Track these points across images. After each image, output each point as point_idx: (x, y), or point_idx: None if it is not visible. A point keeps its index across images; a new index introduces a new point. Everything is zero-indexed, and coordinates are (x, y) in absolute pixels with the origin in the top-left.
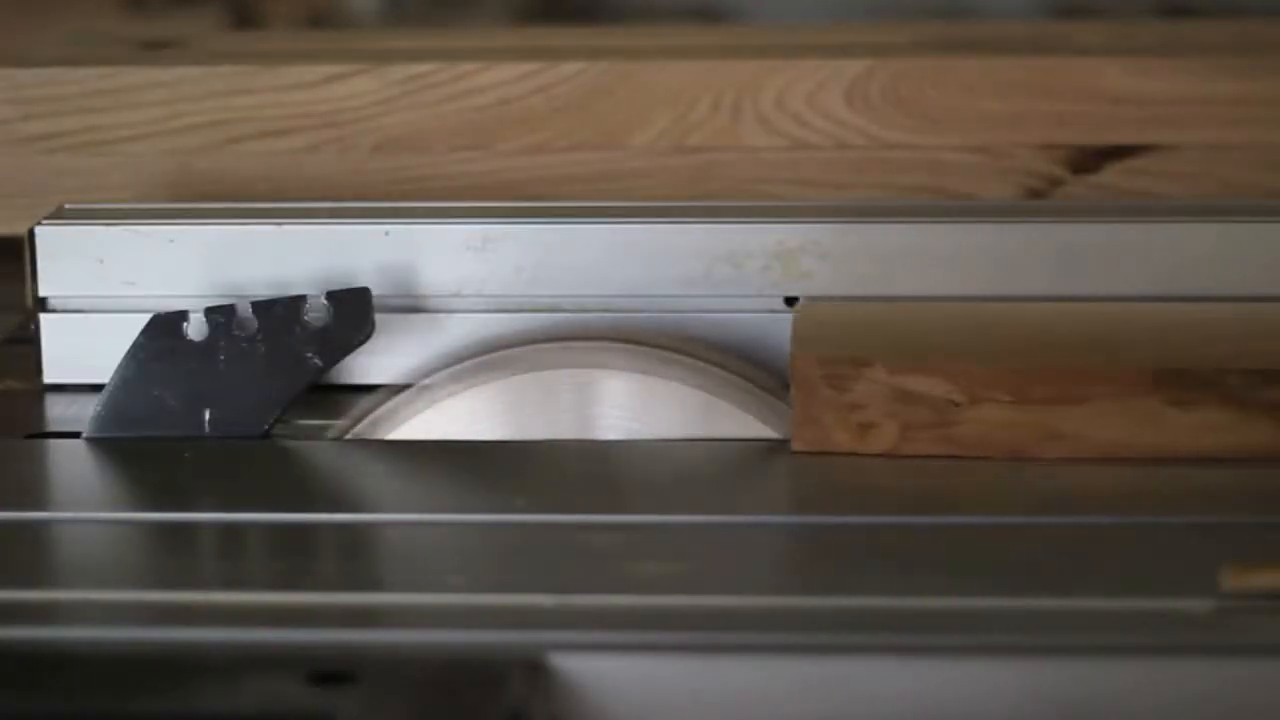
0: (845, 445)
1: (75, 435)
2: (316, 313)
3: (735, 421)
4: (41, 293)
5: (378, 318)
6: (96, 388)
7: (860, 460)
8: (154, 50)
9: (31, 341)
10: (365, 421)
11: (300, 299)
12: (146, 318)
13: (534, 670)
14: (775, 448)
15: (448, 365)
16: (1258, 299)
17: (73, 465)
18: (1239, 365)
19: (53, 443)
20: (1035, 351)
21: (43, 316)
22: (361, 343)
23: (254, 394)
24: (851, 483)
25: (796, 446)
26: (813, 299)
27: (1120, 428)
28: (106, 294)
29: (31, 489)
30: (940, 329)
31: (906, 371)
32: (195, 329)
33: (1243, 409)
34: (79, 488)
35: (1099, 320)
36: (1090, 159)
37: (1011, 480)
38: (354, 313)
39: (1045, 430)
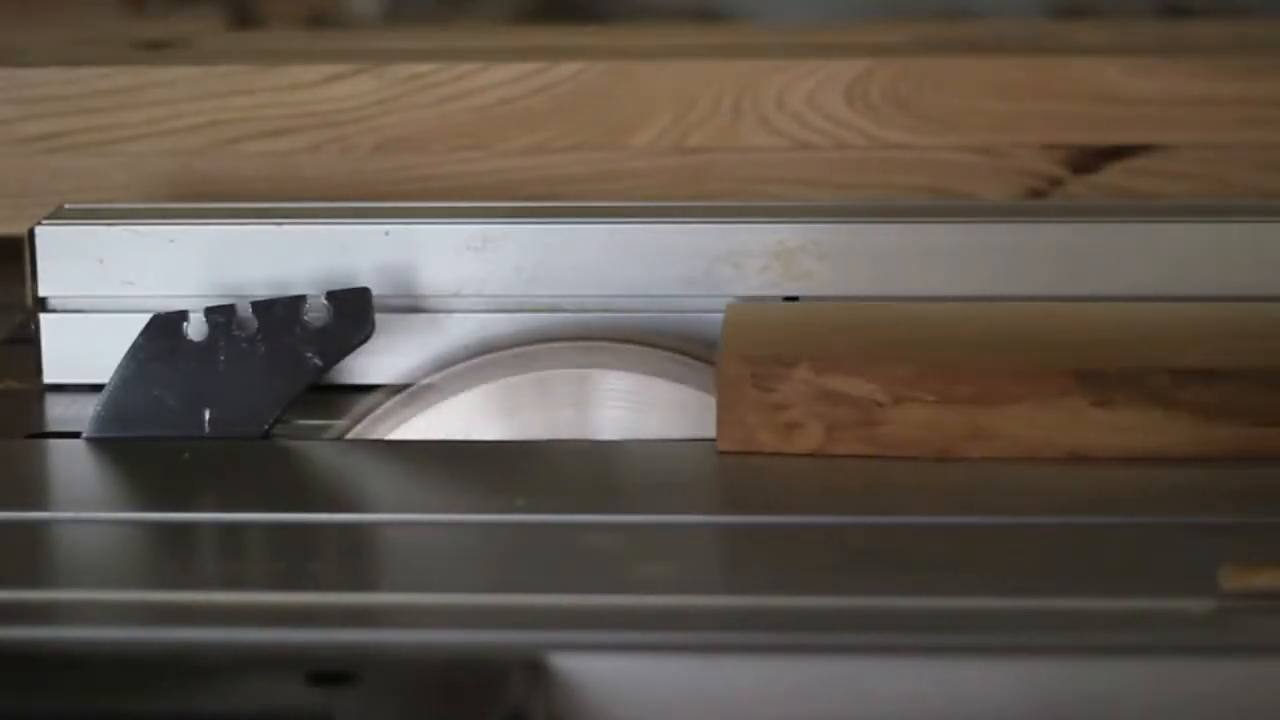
0: (770, 445)
1: (75, 435)
2: (316, 313)
3: None
4: (41, 293)
5: (378, 318)
6: (96, 388)
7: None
8: (154, 50)
9: (31, 341)
10: (365, 421)
11: (300, 299)
12: (146, 318)
13: (534, 670)
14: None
15: (447, 365)
16: (1258, 299)
17: (73, 465)
18: (1162, 365)
19: (53, 443)
20: (961, 351)
21: (43, 316)
22: (361, 343)
23: (254, 394)
24: (864, 484)
25: (722, 447)
26: (811, 299)
27: (1044, 427)
28: (106, 294)
29: (31, 489)
30: (868, 329)
31: (831, 372)
32: (195, 329)
33: (1166, 409)
34: (79, 488)
35: (1026, 319)
36: (1090, 159)
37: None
38: (354, 313)
39: (970, 430)
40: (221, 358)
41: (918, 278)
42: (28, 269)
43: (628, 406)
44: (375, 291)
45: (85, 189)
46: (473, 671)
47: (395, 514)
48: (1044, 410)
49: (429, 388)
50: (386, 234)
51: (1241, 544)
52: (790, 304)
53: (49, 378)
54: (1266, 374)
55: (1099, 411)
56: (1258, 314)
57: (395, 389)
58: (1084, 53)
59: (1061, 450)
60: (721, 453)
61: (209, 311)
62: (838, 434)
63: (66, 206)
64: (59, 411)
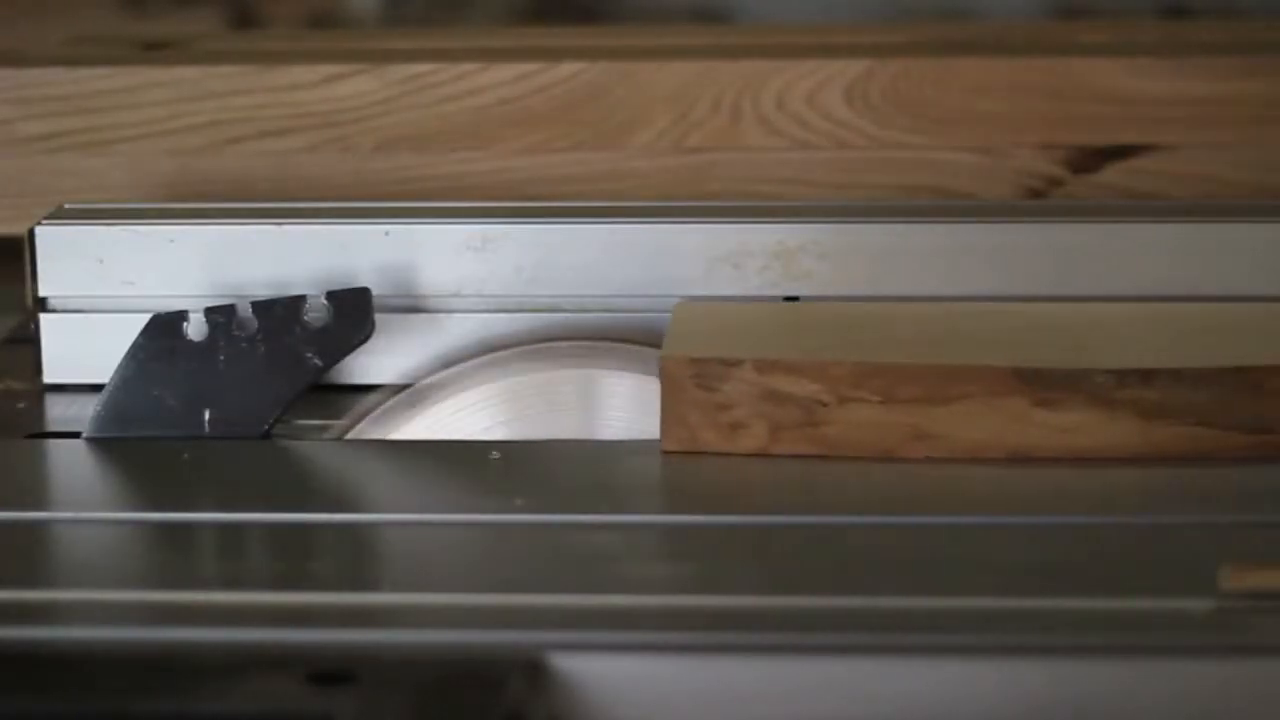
0: (714, 445)
1: (75, 435)
2: (316, 313)
3: None
4: (41, 293)
5: (378, 318)
6: (96, 388)
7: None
8: (154, 50)
9: (31, 341)
10: (365, 421)
11: (300, 299)
12: (146, 318)
13: (534, 670)
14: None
15: (447, 365)
16: (1259, 299)
17: (73, 465)
18: (1103, 365)
19: (53, 443)
20: (905, 352)
21: (43, 316)
22: (361, 343)
23: (254, 394)
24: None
25: (666, 446)
26: (809, 299)
27: (987, 428)
28: (106, 294)
29: (31, 489)
30: (815, 330)
31: (774, 372)
32: (195, 329)
33: (1108, 408)
34: (79, 488)
35: (971, 320)
36: (1090, 159)
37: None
38: (354, 313)
39: (913, 430)
40: (221, 358)
41: (918, 278)
42: (28, 269)
43: (628, 407)
44: (375, 291)
45: (85, 189)
46: (473, 671)
47: (395, 514)
48: (987, 411)
49: (429, 388)
50: (386, 234)
51: (1240, 544)
52: (739, 304)
53: (49, 378)
54: (1205, 373)
55: (1041, 412)
56: (1200, 313)
57: (395, 389)
58: (1084, 53)
59: (1005, 451)
60: (665, 453)
61: (209, 311)
62: (782, 434)
63: (66, 206)
64: (59, 411)
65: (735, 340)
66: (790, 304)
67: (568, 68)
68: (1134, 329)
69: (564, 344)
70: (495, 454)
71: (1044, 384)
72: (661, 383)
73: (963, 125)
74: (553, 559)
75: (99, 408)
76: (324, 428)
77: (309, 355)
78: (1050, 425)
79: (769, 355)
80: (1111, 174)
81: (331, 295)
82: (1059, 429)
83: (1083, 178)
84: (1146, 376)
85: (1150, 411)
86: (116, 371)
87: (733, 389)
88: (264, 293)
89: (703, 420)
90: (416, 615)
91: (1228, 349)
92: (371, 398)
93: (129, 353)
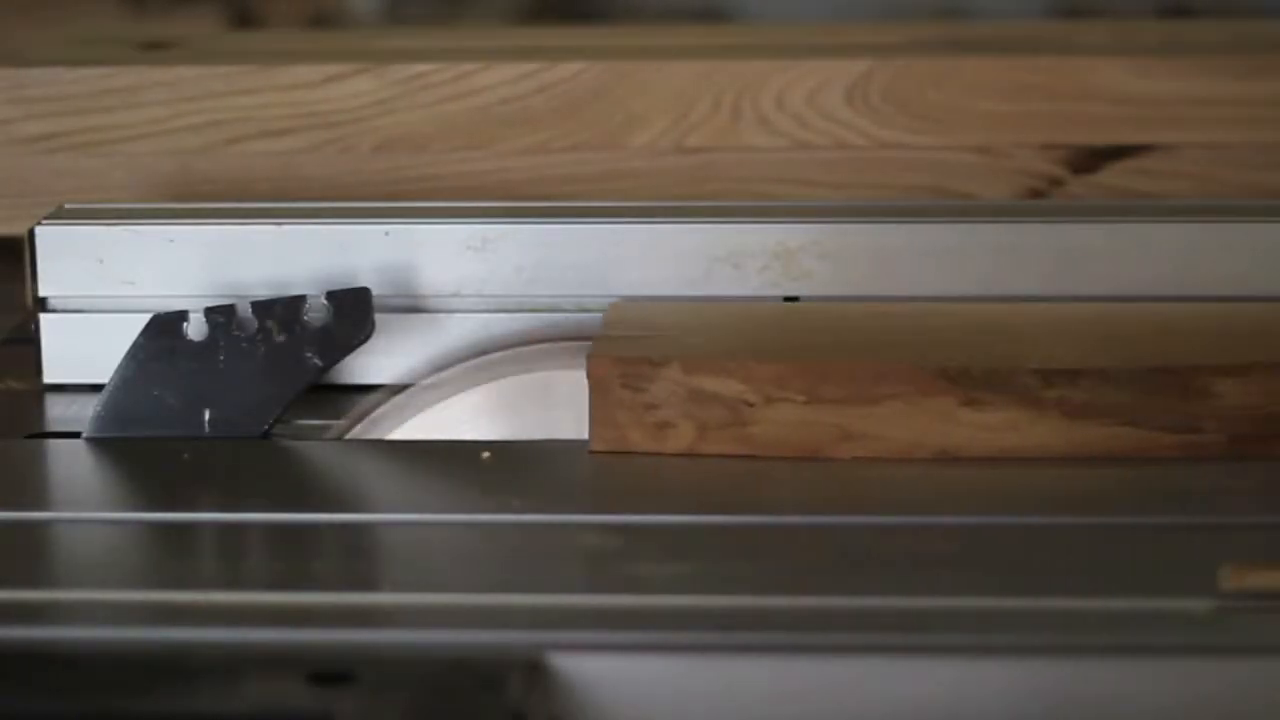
0: (642, 445)
1: (75, 435)
2: (316, 313)
3: None
4: (41, 293)
5: (378, 318)
6: (96, 388)
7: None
8: (154, 50)
9: (31, 341)
10: (365, 421)
11: (300, 299)
12: (146, 318)
13: (534, 670)
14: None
15: (447, 365)
16: (1258, 299)
17: (73, 465)
18: (1028, 365)
19: (53, 443)
20: (831, 351)
21: (43, 316)
22: (361, 343)
23: (254, 394)
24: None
25: (594, 447)
26: (811, 299)
27: (914, 428)
28: (106, 294)
29: (31, 489)
30: (744, 330)
31: (700, 372)
32: (195, 329)
33: (1035, 408)
34: (79, 488)
35: (899, 319)
36: (1090, 159)
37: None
38: (354, 313)
39: (839, 430)
40: (221, 358)
41: (918, 278)
42: (28, 269)
43: None
44: (375, 291)
45: (85, 189)
46: (473, 671)
47: (395, 514)
48: (913, 411)
49: (429, 388)
50: (386, 234)
51: (1234, 544)
52: (673, 304)
53: (49, 378)
54: (1132, 373)
55: (967, 411)
56: (1130, 314)
57: (395, 389)
58: (1084, 53)
59: (932, 451)
60: (593, 453)
61: (209, 311)
62: (709, 434)
63: (66, 206)
64: (59, 411)
65: (662, 341)
66: (720, 305)
67: (568, 68)
68: (1063, 329)
69: (564, 344)
70: (486, 454)
71: (971, 384)
72: (589, 383)
73: (963, 125)
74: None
75: (99, 408)
76: (324, 428)
77: (309, 355)
78: (977, 425)
79: (693, 355)
80: (1111, 174)
81: (331, 295)
82: (986, 429)
83: (1083, 178)
84: (1073, 376)
85: (1077, 411)
86: (116, 371)
87: (659, 389)
88: (264, 293)
89: (630, 420)
90: (416, 615)
91: (1155, 349)
92: (371, 398)
93: (129, 353)
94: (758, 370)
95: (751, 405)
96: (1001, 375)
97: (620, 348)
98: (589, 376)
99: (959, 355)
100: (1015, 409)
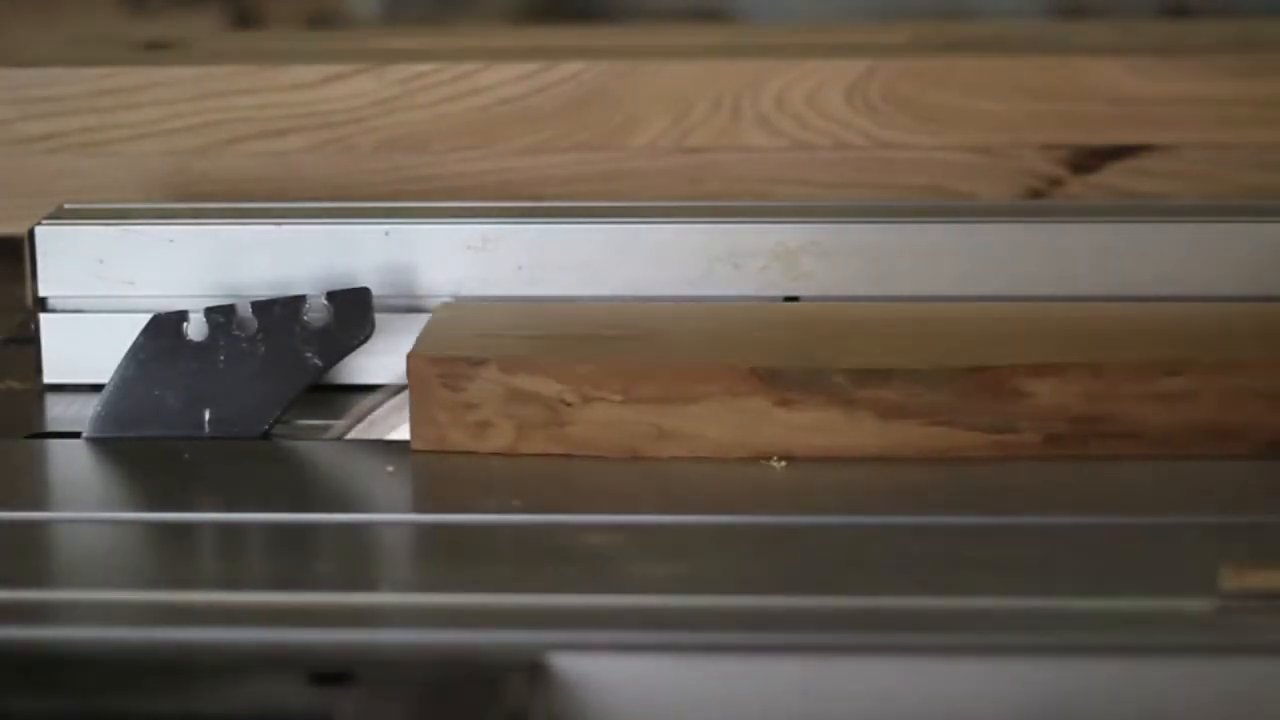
0: (462, 444)
1: (75, 435)
2: (316, 313)
3: None
4: (41, 293)
5: (378, 318)
6: (96, 388)
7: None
8: (154, 50)
9: (31, 341)
10: (365, 421)
11: (300, 299)
12: (146, 318)
13: (534, 670)
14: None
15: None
16: (1259, 299)
17: (73, 465)
18: (842, 365)
19: (53, 443)
20: (647, 351)
21: (43, 316)
22: (361, 343)
23: (254, 394)
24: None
25: (415, 445)
26: (811, 299)
27: (730, 427)
28: (106, 294)
29: (31, 489)
30: (564, 329)
31: (518, 371)
32: (195, 329)
33: (847, 408)
34: (79, 488)
35: (719, 320)
36: (1090, 159)
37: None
38: (354, 313)
39: (655, 429)
40: (221, 358)
41: (918, 278)
42: (28, 269)
43: None
44: (375, 291)
45: (85, 189)
46: (473, 671)
47: (395, 514)
48: (728, 410)
49: None
50: (386, 234)
51: (1233, 544)
52: (497, 304)
53: (49, 378)
54: (945, 373)
55: (781, 411)
56: (944, 313)
57: (395, 389)
58: (1084, 52)
59: (749, 450)
60: (414, 451)
61: (209, 311)
62: (528, 433)
63: (66, 206)
64: (59, 411)
65: (482, 340)
66: (551, 304)
67: (568, 68)
68: (877, 329)
69: None
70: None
71: (783, 384)
72: (409, 382)
73: (963, 125)
74: None
75: (99, 408)
76: (324, 428)
77: (309, 355)
78: (791, 425)
79: (511, 355)
80: (1111, 174)
81: (331, 295)
82: (800, 429)
83: (1083, 178)
84: (885, 376)
85: (890, 411)
86: (116, 371)
87: (478, 389)
88: (264, 293)
89: (451, 420)
90: (416, 615)
91: (968, 349)
92: (371, 398)
93: (129, 353)
94: (576, 370)
95: (570, 405)
96: (813, 375)
97: (440, 347)
98: (409, 375)
99: (772, 355)
100: (828, 409)
